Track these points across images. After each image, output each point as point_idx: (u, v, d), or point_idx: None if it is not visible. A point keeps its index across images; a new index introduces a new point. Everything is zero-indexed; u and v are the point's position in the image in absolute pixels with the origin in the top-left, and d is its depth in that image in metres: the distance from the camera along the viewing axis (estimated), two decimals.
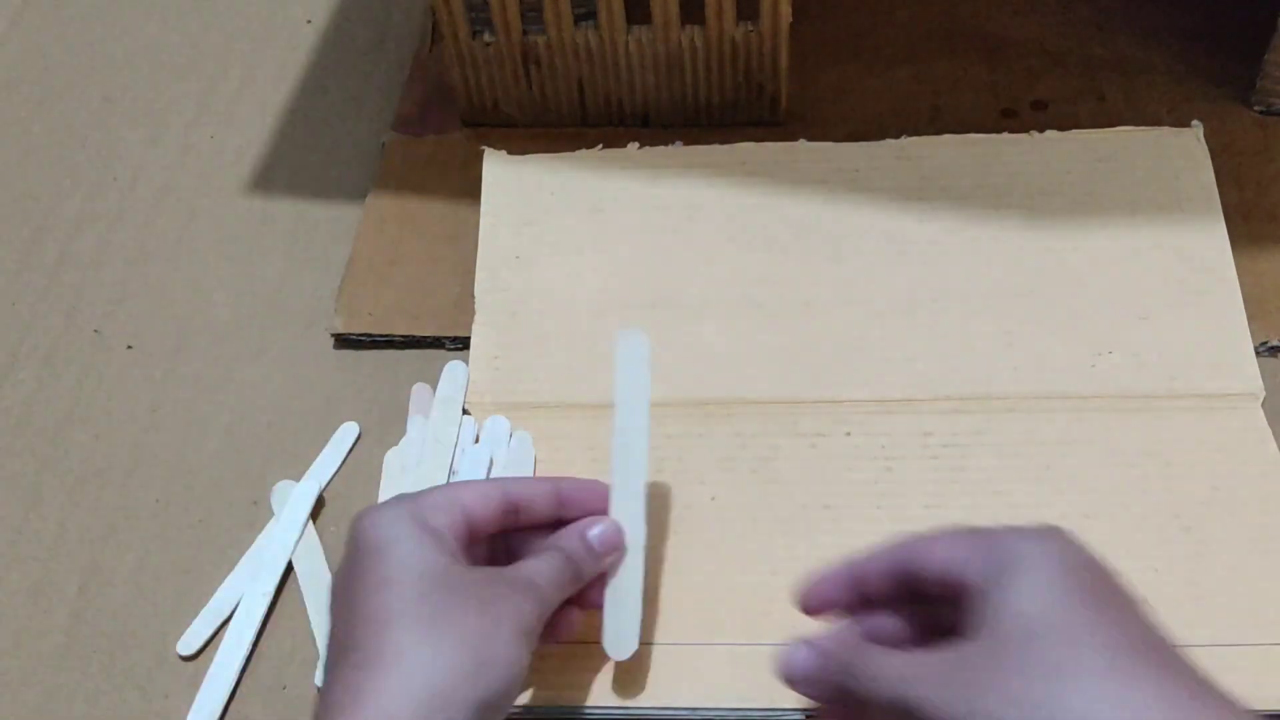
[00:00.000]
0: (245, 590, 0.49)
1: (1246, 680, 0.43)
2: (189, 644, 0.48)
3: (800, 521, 0.49)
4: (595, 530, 0.43)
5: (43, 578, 0.51)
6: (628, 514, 0.44)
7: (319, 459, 0.53)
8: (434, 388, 0.54)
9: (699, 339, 0.54)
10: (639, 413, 0.46)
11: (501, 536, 0.44)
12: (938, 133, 0.59)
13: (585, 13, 0.59)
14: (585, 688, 0.44)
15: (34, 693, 0.47)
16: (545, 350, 0.55)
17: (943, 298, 0.54)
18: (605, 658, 0.44)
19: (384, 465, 0.52)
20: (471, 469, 0.51)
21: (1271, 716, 0.43)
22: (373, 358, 0.57)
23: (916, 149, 0.59)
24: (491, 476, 0.51)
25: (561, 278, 0.57)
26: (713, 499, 0.50)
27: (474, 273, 0.57)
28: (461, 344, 0.56)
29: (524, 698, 0.44)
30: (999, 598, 0.34)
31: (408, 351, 0.57)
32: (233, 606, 0.49)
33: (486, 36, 0.61)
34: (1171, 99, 0.63)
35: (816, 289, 0.55)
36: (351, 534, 0.41)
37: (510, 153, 0.60)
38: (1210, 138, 0.58)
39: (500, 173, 0.60)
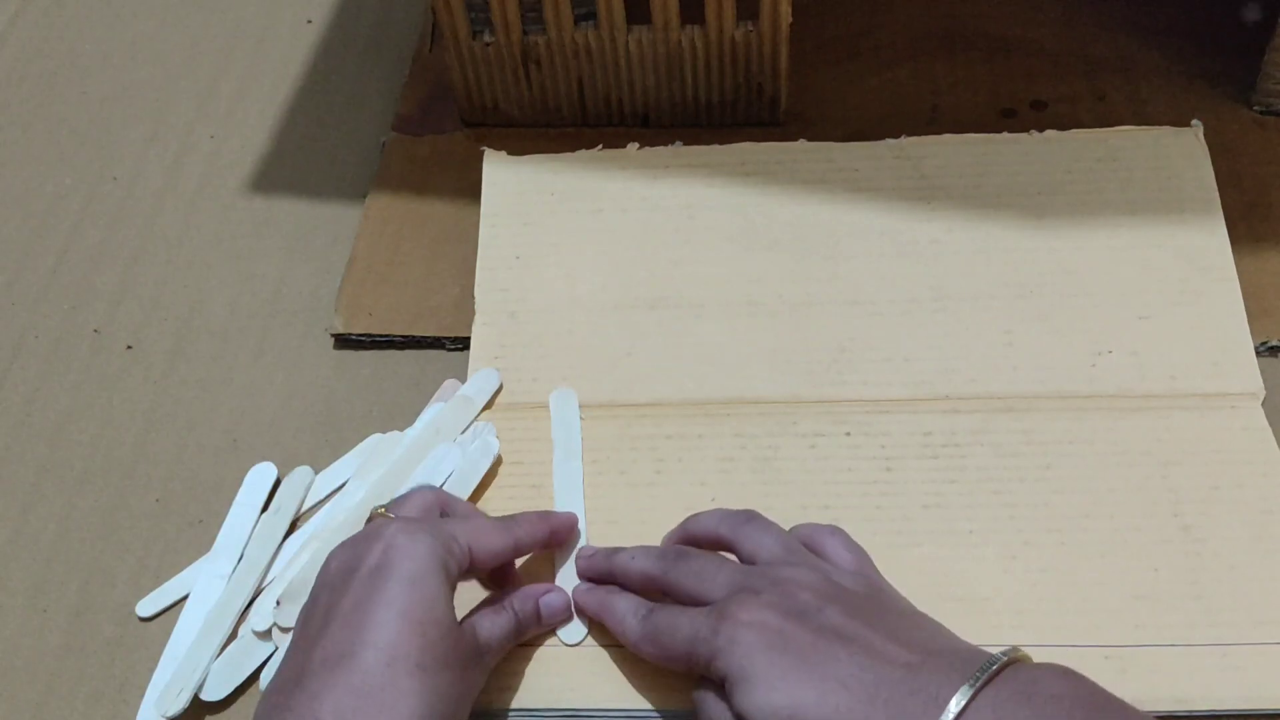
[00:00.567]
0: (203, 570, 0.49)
1: (1247, 680, 0.43)
2: (146, 607, 0.49)
3: (800, 521, 0.48)
4: (547, 599, 0.45)
5: (43, 578, 0.51)
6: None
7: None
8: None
9: (699, 339, 0.54)
10: (574, 458, 0.51)
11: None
12: (938, 133, 0.59)
13: (585, 13, 0.60)
14: (585, 688, 0.44)
15: (34, 692, 0.47)
16: (545, 350, 0.55)
17: (943, 298, 0.54)
18: (605, 658, 0.45)
19: (364, 442, 0.53)
20: (430, 471, 0.50)
21: (1272, 716, 0.43)
22: (373, 358, 0.57)
23: (916, 149, 0.59)
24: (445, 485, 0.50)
25: (561, 278, 0.57)
26: (713, 499, 0.49)
27: (474, 273, 0.57)
28: (461, 344, 0.56)
29: (522, 699, 0.44)
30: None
31: (408, 352, 0.57)
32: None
33: (486, 36, 0.61)
34: (1171, 99, 0.63)
35: (816, 289, 0.55)
36: (380, 541, 0.41)
37: (510, 153, 0.60)
38: (1210, 138, 0.58)
39: (500, 173, 0.60)
